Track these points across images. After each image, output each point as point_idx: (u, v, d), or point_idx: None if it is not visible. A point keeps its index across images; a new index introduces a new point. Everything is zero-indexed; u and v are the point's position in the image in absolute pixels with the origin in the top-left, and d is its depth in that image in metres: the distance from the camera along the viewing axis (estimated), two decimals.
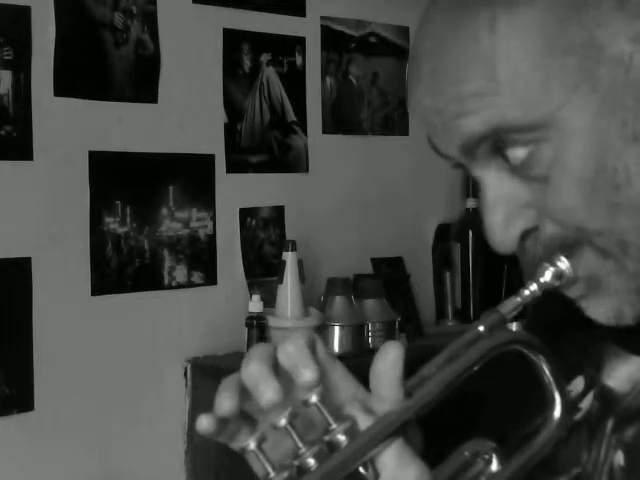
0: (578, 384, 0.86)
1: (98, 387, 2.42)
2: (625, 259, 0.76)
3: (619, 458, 0.82)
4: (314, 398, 0.69)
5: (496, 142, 0.76)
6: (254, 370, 0.71)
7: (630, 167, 0.74)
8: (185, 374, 2.57)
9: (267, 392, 0.69)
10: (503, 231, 0.78)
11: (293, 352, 0.71)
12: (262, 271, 2.73)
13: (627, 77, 0.74)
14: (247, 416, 0.77)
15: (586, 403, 0.85)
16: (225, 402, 0.71)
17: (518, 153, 0.76)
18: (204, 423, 0.71)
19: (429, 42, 0.79)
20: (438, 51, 0.77)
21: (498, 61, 0.75)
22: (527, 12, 0.75)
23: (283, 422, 0.68)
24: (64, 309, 2.36)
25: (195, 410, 2.56)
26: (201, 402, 2.54)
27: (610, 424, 0.83)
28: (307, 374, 0.70)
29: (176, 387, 2.56)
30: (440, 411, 0.72)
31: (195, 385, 2.56)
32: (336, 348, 2.61)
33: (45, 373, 2.32)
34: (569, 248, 0.77)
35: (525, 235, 0.78)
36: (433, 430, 0.83)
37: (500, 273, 3.08)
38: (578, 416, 0.79)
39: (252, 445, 0.69)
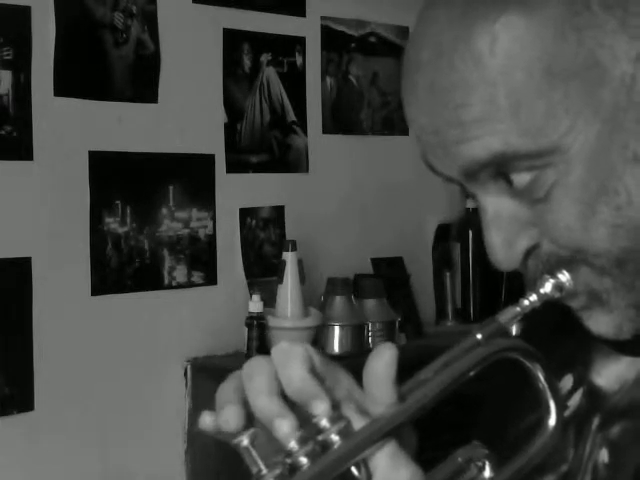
0: (567, 382, 0.86)
1: (98, 387, 2.42)
2: (623, 276, 0.75)
3: (604, 455, 0.82)
4: (324, 422, 0.68)
5: (499, 167, 0.75)
6: (266, 405, 0.69)
7: (631, 188, 0.73)
8: (185, 374, 2.58)
9: (284, 427, 0.68)
10: (506, 251, 0.77)
11: (300, 386, 0.69)
12: (262, 271, 2.73)
13: (629, 98, 0.73)
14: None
15: (574, 401, 0.85)
16: (232, 420, 0.69)
17: (522, 178, 0.75)
18: (207, 421, 0.71)
19: (425, 55, 0.76)
20: (435, 68, 0.75)
21: (499, 86, 0.72)
22: (527, 32, 0.72)
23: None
24: (64, 309, 2.37)
25: (195, 410, 2.56)
26: (201, 402, 2.54)
27: (596, 422, 0.83)
28: (321, 406, 0.68)
29: (176, 387, 2.57)
30: (435, 411, 0.71)
31: (195, 385, 2.57)
32: (336, 348, 2.61)
33: (45, 373, 2.32)
34: (566, 265, 0.76)
35: (528, 253, 0.77)
36: (428, 431, 0.83)
37: (500, 273, 3.08)
38: (566, 414, 0.79)
39: (245, 442, 0.69)
